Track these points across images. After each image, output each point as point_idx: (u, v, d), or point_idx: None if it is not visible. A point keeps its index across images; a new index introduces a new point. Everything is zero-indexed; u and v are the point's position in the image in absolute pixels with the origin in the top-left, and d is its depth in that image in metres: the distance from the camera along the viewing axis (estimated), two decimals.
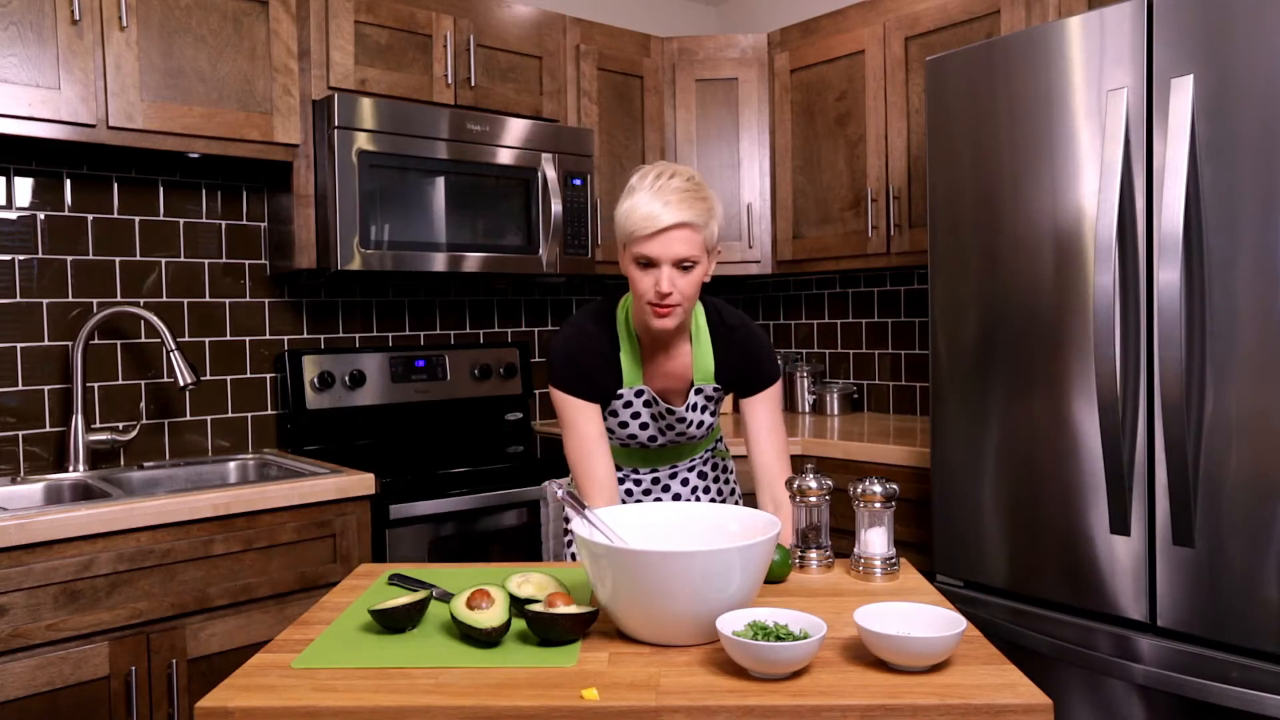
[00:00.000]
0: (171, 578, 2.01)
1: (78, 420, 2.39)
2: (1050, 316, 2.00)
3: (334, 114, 2.44)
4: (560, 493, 1.36)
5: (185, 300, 2.65)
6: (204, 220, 2.68)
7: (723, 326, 1.84)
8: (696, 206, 1.64)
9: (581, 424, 1.77)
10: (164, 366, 2.61)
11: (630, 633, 1.20)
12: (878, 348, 3.35)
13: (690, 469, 1.97)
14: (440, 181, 2.63)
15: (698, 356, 1.83)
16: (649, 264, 1.65)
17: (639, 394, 1.82)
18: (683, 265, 1.65)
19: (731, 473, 2.08)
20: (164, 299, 2.61)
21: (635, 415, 1.84)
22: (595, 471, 1.75)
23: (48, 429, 2.42)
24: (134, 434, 2.50)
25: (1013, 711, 1.00)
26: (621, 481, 1.96)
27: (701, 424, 1.88)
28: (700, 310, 1.84)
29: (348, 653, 1.17)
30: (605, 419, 1.84)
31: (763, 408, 1.84)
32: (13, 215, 2.38)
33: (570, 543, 1.95)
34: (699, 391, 1.84)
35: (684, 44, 3.23)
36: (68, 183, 2.46)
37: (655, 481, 1.96)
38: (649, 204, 1.62)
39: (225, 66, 2.37)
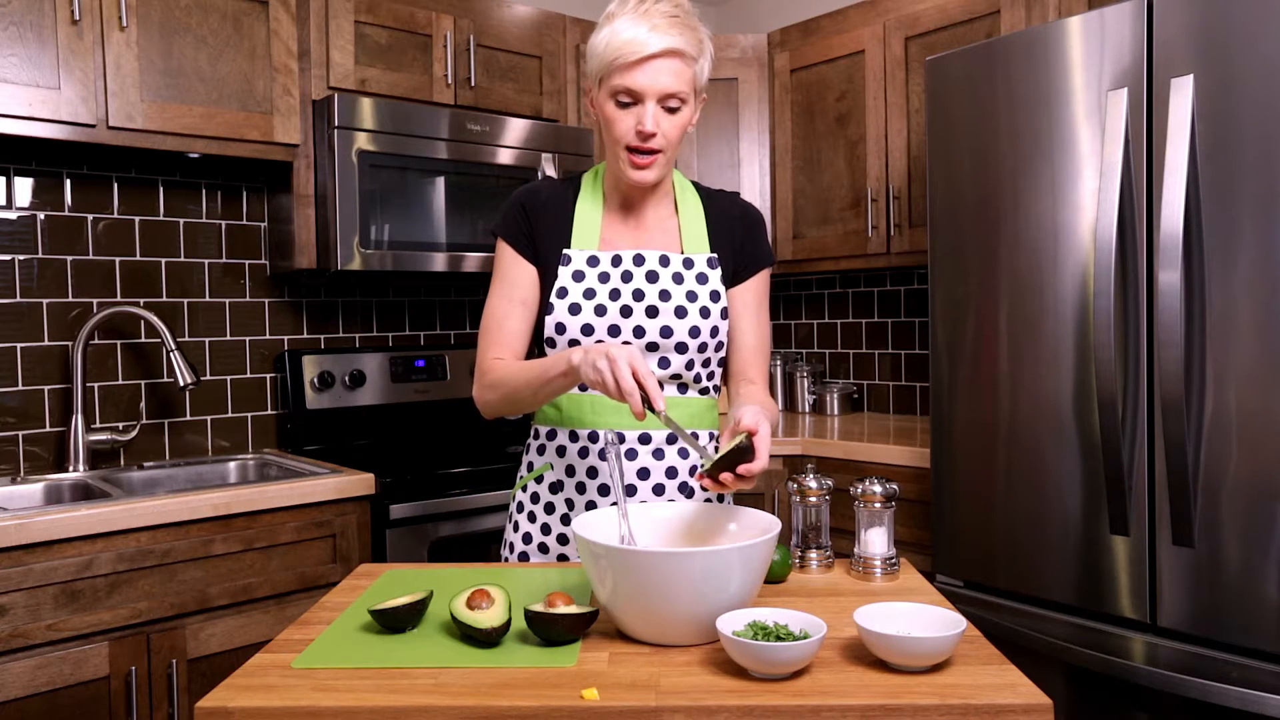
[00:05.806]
0: (171, 578, 2.01)
1: (78, 420, 2.39)
2: (1050, 316, 2.00)
3: (334, 114, 2.44)
4: (609, 435, 1.37)
5: (185, 300, 2.64)
6: (204, 220, 2.68)
7: (709, 190, 1.62)
8: (688, 34, 1.42)
9: (511, 277, 1.54)
10: (164, 366, 2.61)
11: (630, 633, 1.19)
12: (878, 348, 3.35)
13: (672, 442, 1.56)
14: (440, 181, 2.63)
15: (686, 221, 1.56)
16: (630, 101, 1.43)
17: (592, 262, 1.54)
18: (668, 105, 1.43)
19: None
20: (164, 299, 2.61)
21: (590, 294, 1.52)
22: (507, 325, 1.53)
23: (48, 429, 2.42)
24: (134, 434, 2.50)
25: (1013, 711, 1.00)
26: (563, 450, 1.57)
27: (695, 328, 1.51)
28: (678, 174, 1.61)
29: (348, 653, 1.17)
30: (553, 307, 1.52)
31: (755, 296, 1.59)
32: (13, 215, 2.38)
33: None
34: (689, 264, 1.54)
35: None
36: (68, 183, 2.46)
37: (622, 445, 1.53)
38: (633, 28, 1.39)
39: (225, 66, 2.37)
